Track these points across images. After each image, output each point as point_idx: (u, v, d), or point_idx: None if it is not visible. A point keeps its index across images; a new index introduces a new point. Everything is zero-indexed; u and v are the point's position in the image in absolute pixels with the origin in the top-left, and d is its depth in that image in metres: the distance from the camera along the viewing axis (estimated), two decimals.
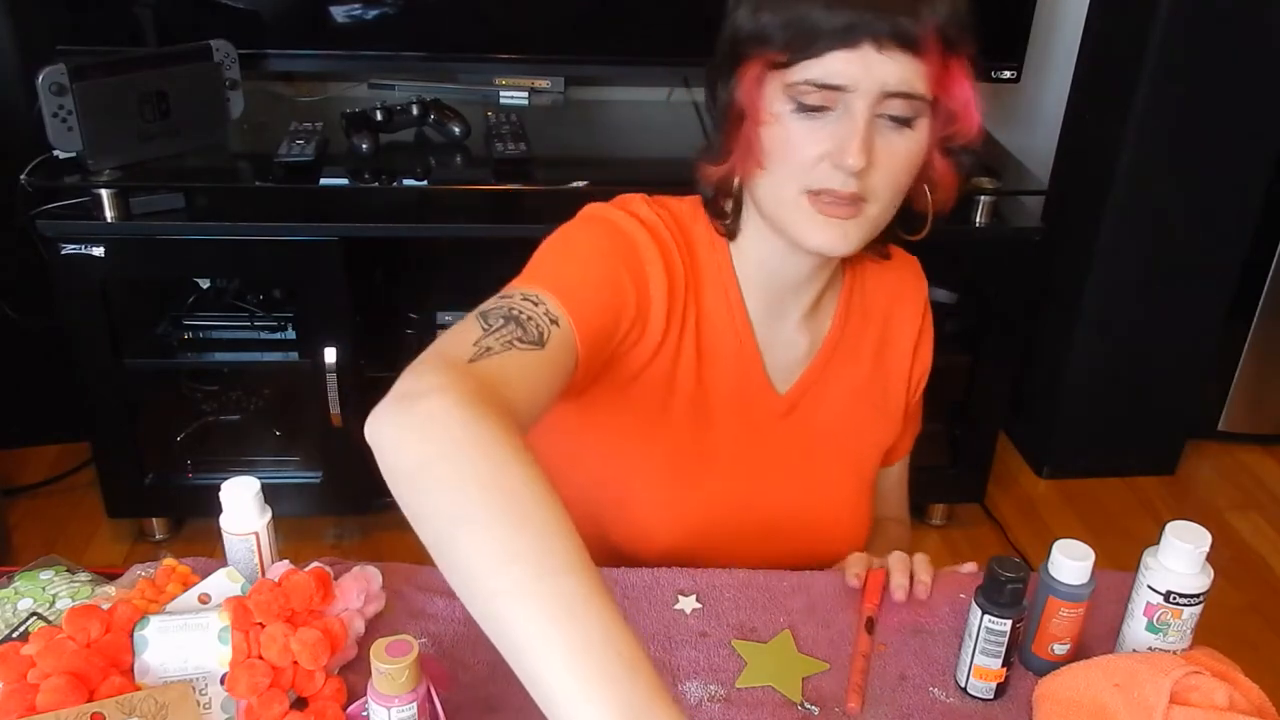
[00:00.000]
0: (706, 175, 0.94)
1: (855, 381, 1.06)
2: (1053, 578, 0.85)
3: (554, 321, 0.82)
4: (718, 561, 0.99)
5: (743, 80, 0.87)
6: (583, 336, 0.84)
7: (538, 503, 0.63)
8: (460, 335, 0.77)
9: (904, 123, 0.85)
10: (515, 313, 0.80)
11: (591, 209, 0.95)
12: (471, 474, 0.64)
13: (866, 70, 0.82)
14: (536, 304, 0.82)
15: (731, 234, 0.96)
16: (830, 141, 0.84)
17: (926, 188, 0.92)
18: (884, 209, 0.89)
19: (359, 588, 0.87)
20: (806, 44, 0.82)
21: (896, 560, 0.99)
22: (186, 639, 0.77)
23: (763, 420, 1.03)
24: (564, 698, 0.57)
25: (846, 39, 0.81)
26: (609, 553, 1.01)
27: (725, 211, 0.96)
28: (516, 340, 0.78)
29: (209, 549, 0.94)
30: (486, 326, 0.78)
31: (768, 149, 0.87)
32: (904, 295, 1.08)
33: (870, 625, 0.91)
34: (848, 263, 1.03)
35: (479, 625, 0.61)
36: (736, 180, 0.93)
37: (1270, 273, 2.31)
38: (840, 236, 0.88)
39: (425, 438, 0.66)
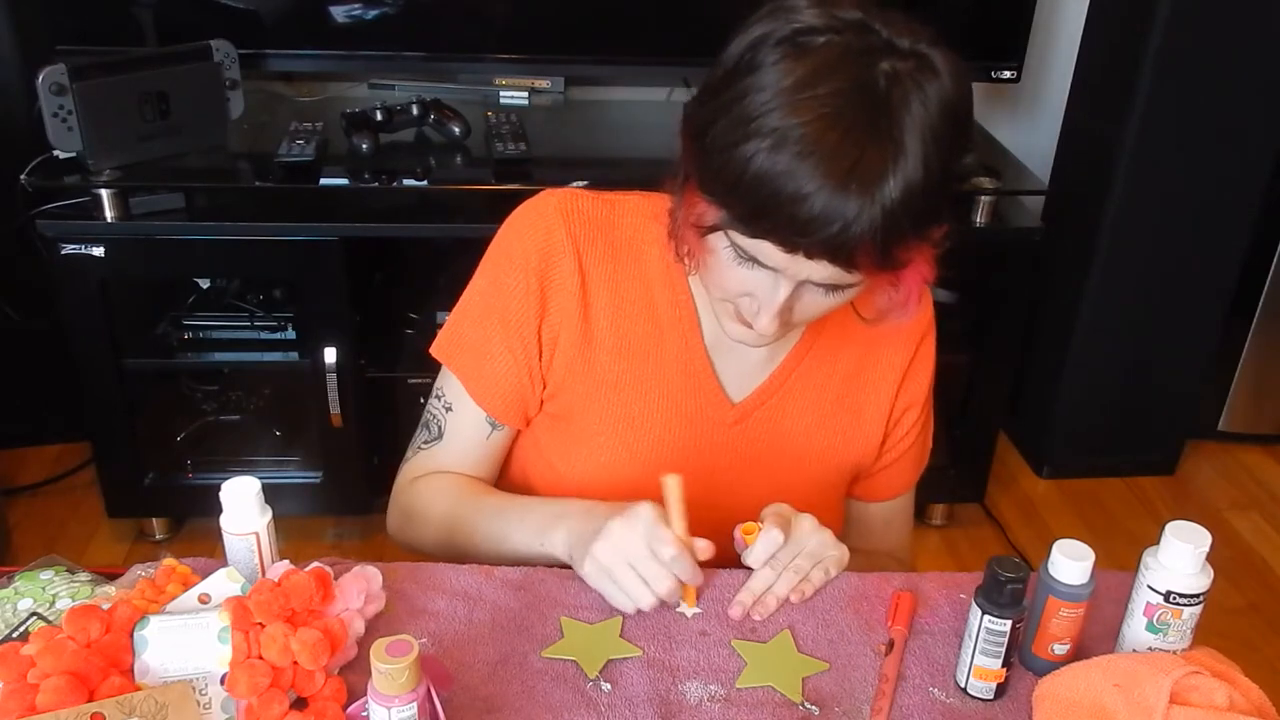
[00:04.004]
0: (666, 195, 0.94)
1: (821, 400, 1.05)
2: (1053, 578, 0.85)
3: (449, 409, 1.06)
4: None
5: (691, 199, 0.86)
6: (485, 402, 1.04)
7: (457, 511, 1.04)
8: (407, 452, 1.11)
9: (831, 289, 0.85)
10: (426, 418, 1.09)
11: (507, 230, 1.03)
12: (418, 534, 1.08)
13: (793, 263, 0.82)
14: (440, 398, 1.07)
15: None
16: (753, 290, 0.87)
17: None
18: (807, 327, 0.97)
19: (359, 588, 0.87)
20: (745, 224, 0.81)
21: (760, 576, 0.94)
22: (186, 639, 0.77)
23: (711, 426, 1.03)
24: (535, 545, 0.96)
25: (780, 244, 0.80)
26: None
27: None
28: (423, 444, 1.08)
29: (209, 549, 0.94)
30: (414, 438, 1.10)
31: (702, 260, 0.89)
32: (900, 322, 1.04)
33: (890, 648, 0.90)
34: None
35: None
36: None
37: (1270, 273, 2.31)
38: (757, 339, 0.92)
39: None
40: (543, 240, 0.99)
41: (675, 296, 1.01)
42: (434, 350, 1.06)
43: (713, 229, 0.84)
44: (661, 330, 1.01)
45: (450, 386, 1.05)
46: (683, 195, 0.88)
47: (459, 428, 1.06)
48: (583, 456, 1.03)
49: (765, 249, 0.81)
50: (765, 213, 0.78)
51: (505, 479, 1.13)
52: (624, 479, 1.02)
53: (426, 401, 1.10)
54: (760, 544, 0.94)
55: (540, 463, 1.07)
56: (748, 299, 0.88)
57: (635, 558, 0.88)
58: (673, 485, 0.89)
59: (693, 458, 1.03)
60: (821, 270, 0.81)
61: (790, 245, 0.79)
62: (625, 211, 1.01)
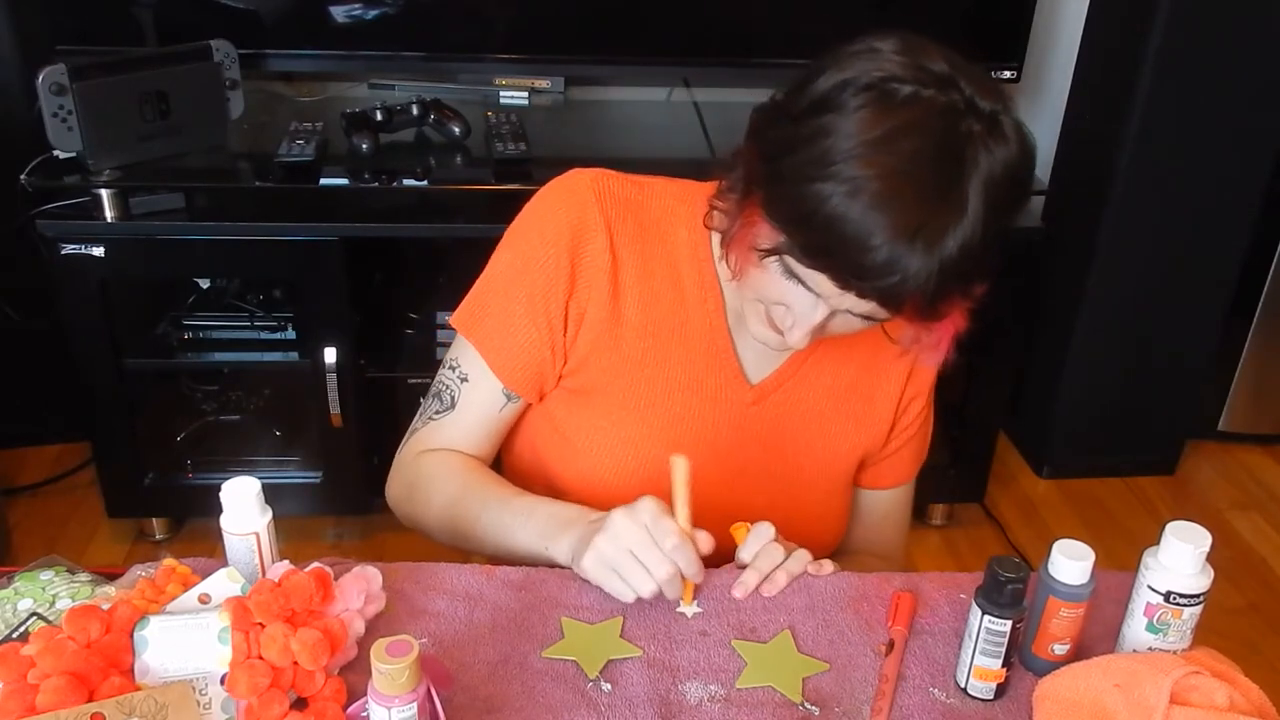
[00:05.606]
0: (716, 183, 0.96)
1: (836, 384, 1.07)
2: (1053, 578, 0.85)
3: (464, 380, 1.05)
4: None
5: (751, 217, 0.88)
6: (504, 374, 1.03)
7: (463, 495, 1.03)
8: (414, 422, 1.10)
9: (865, 318, 0.88)
10: (437, 388, 1.07)
11: (537, 205, 1.03)
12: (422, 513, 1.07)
13: (840, 296, 0.85)
14: (454, 369, 1.06)
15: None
16: (791, 304, 0.89)
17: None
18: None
19: (359, 588, 0.87)
20: (806, 256, 0.83)
21: (766, 556, 0.96)
22: (186, 639, 0.77)
23: (729, 405, 1.04)
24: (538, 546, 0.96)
25: (836, 280, 0.83)
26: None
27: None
28: (434, 414, 1.07)
29: (209, 549, 0.94)
30: (422, 408, 1.08)
31: (745, 267, 0.91)
32: None
33: (890, 648, 0.90)
34: None
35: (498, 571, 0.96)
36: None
37: (1270, 273, 2.31)
38: (781, 345, 0.94)
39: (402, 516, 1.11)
40: (576, 217, 1.00)
41: (701, 279, 1.02)
42: (454, 321, 1.06)
43: (771, 252, 0.85)
44: (687, 310, 1.03)
45: (467, 357, 1.05)
46: (741, 209, 0.89)
47: (473, 399, 1.06)
48: (602, 431, 1.04)
49: (818, 278, 0.84)
50: (829, 251, 0.81)
51: (512, 453, 1.13)
52: (643, 455, 1.03)
53: (436, 374, 1.09)
54: (754, 536, 0.96)
55: (555, 437, 1.07)
56: (782, 309, 0.90)
57: (637, 545, 0.88)
58: (680, 467, 0.89)
59: (710, 436, 1.04)
60: (864, 305, 0.84)
61: (845, 284, 0.83)
62: (654, 193, 1.03)
